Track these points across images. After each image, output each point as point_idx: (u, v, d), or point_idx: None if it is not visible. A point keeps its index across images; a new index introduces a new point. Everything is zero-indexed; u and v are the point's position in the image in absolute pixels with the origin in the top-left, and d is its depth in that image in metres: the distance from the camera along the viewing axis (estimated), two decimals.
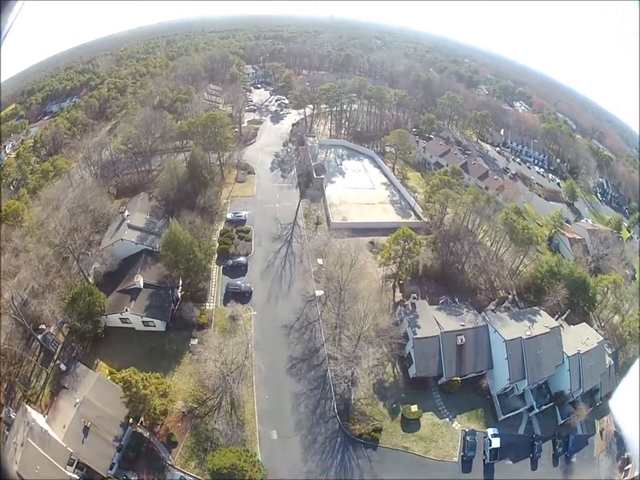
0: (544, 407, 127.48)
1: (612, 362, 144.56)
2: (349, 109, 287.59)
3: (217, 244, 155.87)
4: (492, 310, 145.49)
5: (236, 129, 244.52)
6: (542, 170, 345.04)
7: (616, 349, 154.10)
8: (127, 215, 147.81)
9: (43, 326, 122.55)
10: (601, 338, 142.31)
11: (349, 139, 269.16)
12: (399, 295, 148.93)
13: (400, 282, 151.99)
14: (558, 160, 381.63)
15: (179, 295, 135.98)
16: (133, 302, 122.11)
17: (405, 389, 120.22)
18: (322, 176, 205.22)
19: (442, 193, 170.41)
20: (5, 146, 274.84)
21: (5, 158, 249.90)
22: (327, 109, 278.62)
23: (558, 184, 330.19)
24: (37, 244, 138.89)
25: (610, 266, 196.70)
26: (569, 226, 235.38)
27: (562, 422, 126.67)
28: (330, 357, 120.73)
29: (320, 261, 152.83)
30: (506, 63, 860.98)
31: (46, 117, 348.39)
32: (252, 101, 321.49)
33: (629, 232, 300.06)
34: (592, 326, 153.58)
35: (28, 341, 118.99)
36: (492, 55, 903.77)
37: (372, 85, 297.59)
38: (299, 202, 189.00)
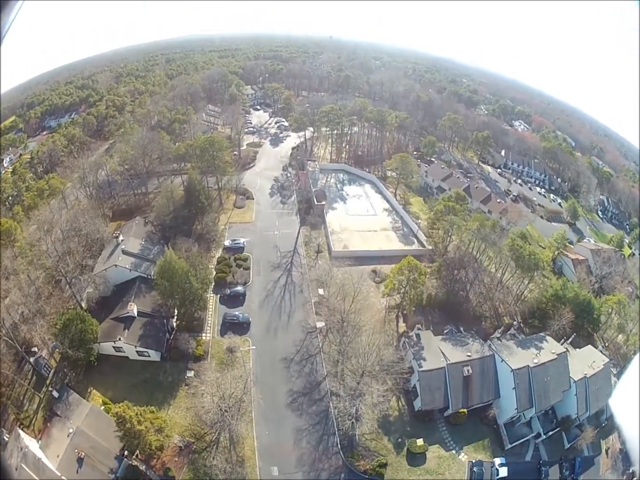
0: (550, 432, 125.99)
1: (618, 381, 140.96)
2: (349, 132, 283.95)
3: (214, 272, 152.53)
4: (498, 339, 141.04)
5: (235, 152, 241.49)
6: (543, 190, 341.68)
7: (621, 368, 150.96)
8: (122, 240, 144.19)
9: (35, 349, 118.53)
10: (607, 360, 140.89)
11: (349, 163, 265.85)
12: (402, 326, 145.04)
13: (404, 312, 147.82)
14: (559, 179, 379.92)
15: (174, 324, 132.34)
16: (126, 330, 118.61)
17: (410, 422, 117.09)
18: (323, 203, 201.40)
19: (447, 220, 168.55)
20: (3, 159, 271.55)
21: (3, 172, 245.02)
22: (328, 132, 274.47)
23: (559, 204, 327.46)
24: (28, 266, 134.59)
25: (614, 285, 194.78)
26: (572, 247, 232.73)
27: (568, 446, 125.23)
28: (332, 394, 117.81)
29: (321, 291, 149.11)
30: (503, 81, 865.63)
31: (44, 132, 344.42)
32: (251, 123, 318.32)
33: (630, 248, 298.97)
34: (596, 347, 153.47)
35: (20, 363, 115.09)
36: (489, 73, 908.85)
37: (372, 107, 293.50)
38: (299, 229, 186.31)
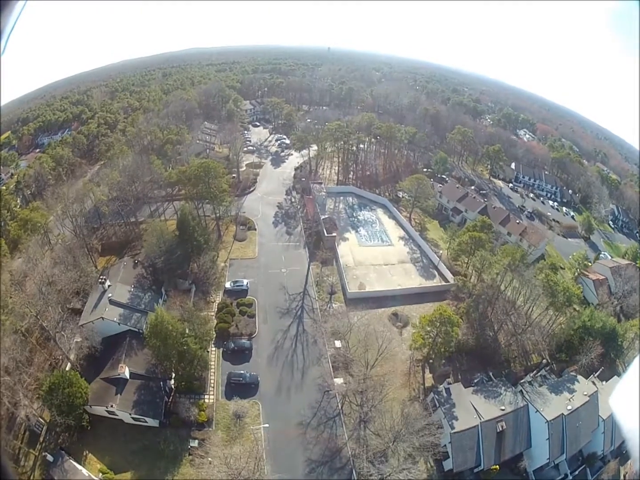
0: (576, 472, 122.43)
1: None
2: (357, 149, 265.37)
3: (215, 322, 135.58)
4: (530, 383, 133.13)
5: (234, 175, 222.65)
6: (555, 204, 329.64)
7: None
8: (109, 286, 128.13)
9: (26, 402, 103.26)
10: None
11: (358, 184, 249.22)
12: (429, 377, 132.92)
13: (430, 360, 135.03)
14: (570, 191, 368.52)
15: (172, 385, 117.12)
16: (119, 395, 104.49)
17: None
18: (334, 234, 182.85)
19: (478, 257, 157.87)
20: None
21: None
22: (333, 150, 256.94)
23: (573, 217, 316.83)
24: (8, 316, 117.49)
25: (633, 304, 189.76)
26: (591, 265, 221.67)
27: (592, 479, 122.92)
28: (355, 457, 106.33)
29: (337, 344, 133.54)
30: (503, 88, 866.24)
31: (37, 150, 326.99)
32: (250, 141, 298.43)
33: None
34: (619, 373, 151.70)
35: (10, 418, 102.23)
36: (488, 80, 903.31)
37: (380, 122, 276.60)
38: (309, 265, 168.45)
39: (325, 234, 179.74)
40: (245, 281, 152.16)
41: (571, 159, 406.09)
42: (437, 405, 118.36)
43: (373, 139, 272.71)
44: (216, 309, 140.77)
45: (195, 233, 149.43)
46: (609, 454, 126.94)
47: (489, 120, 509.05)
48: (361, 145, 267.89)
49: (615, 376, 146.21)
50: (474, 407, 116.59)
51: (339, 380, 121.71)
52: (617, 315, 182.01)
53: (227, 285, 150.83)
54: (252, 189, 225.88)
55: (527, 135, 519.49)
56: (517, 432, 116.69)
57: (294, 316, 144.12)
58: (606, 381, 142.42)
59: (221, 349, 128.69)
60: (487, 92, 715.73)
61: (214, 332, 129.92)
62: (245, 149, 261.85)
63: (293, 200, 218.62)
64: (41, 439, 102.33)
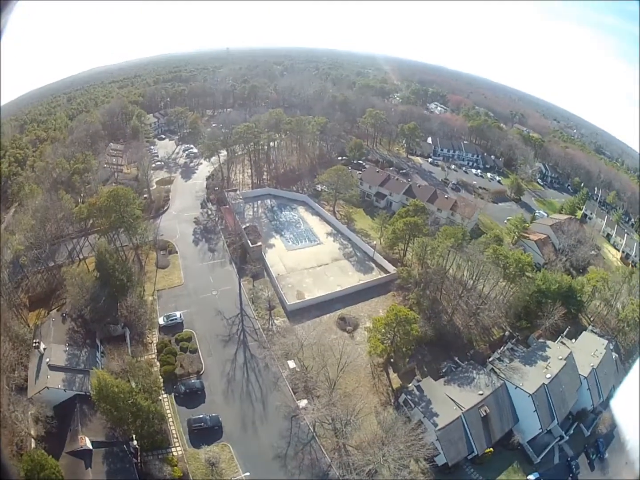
0: (571, 431, 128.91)
1: (617, 355, 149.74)
2: (267, 148, 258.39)
3: (158, 365, 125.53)
4: (499, 359, 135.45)
5: (145, 196, 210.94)
6: (479, 171, 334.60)
7: (615, 339, 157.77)
8: (44, 349, 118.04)
9: None
10: (606, 342, 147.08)
11: (273, 184, 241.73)
12: (394, 377, 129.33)
13: (391, 360, 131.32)
14: (492, 156, 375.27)
15: (137, 445, 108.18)
16: (90, 469, 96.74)
17: (436, 477, 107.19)
18: (259, 244, 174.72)
19: (419, 243, 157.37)
20: None
21: None
22: (244, 153, 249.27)
23: (499, 181, 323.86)
24: None
25: (583, 257, 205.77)
26: (529, 226, 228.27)
27: (589, 433, 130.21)
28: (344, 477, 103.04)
29: (291, 364, 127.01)
30: (406, 64, 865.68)
31: None
32: (157, 156, 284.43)
33: (580, 209, 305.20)
34: (584, 327, 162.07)
35: None
36: (390, 59, 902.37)
37: (289, 116, 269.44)
38: (239, 282, 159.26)
39: (250, 245, 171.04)
40: (178, 313, 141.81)
41: (489, 124, 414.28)
42: (413, 405, 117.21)
43: (284, 135, 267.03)
44: (156, 351, 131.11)
45: (115, 272, 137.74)
46: (599, 406, 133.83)
47: (398, 98, 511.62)
48: (272, 144, 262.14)
49: (584, 332, 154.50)
50: (451, 399, 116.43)
51: (303, 403, 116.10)
52: (567, 271, 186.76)
53: (161, 321, 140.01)
54: (166, 207, 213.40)
55: (439, 108, 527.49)
56: (501, 412, 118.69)
57: (237, 342, 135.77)
58: (575, 339, 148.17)
59: (172, 394, 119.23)
60: (391, 71, 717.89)
61: (160, 380, 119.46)
62: (153, 165, 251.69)
63: (210, 212, 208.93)
64: None
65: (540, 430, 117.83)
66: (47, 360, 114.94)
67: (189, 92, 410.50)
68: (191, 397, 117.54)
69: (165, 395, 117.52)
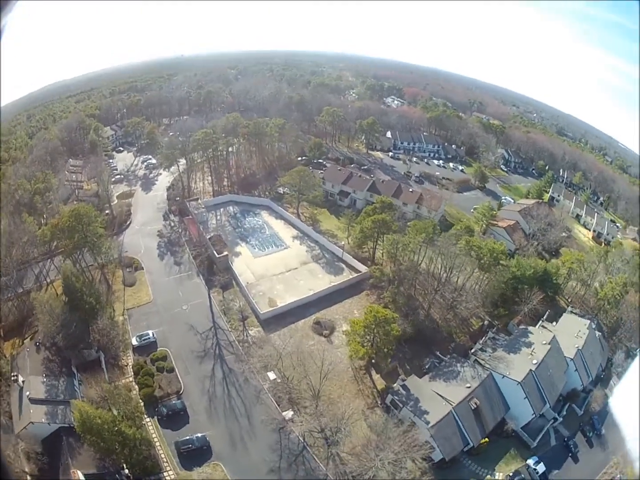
0: (564, 412, 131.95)
1: (600, 333, 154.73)
2: (226, 154, 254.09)
3: (137, 388, 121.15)
4: (482, 350, 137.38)
5: (107, 212, 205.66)
6: (441, 162, 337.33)
7: (597, 318, 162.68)
8: (23, 382, 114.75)
9: None
10: (588, 322, 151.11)
11: (235, 190, 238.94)
12: (377, 378, 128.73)
13: (373, 361, 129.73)
14: (454, 146, 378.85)
15: (128, 474, 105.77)
16: None
17: (435, 473, 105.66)
18: (225, 253, 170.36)
19: (390, 241, 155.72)
20: None
21: None
22: (203, 160, 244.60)
23: (462, 170, 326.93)
24: None
25: (555, 240, 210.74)
26: (496, 213, 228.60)
27: (582, 412, 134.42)
28: None
29: (271, 375, 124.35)
30: (362, 61, 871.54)
31: None
32: (117, 169, 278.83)
33: (547, 192, 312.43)
34: (563, 308, 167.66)
35: None
36: (343, 56, 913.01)
37: (246, 120, 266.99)
38: (209, 294, 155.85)
39: (217, 255, 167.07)
40: (150, 332, 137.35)
41: (448, 114, 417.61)
42: (401, 405, 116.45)
43: (242, 139, 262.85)
44: (132, 373, 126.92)
45: (84, 295, 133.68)
46: (589, 385, 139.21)
47: (354, 95, 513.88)
48: (231, 149, 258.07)
49: (564, 313, 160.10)
50: (439, 395, 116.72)
51: (288, 414, 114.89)
52: (540, 255, 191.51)
53: (134, 341, 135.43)
54: (128, 222, 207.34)
55: (396, 102, 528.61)
56: (492, 402, 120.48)
57: (213, 357, 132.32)
58: (556, 322, 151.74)
59: (155, 417, 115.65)
60: (346, 68, 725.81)
61: (141, 404, 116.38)
62: (113, 179, 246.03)
63: (173, 224, 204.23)
64: None
65: (534, 415, 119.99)
66: (27, 393, 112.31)
67: (145, 101, 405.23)
68: (174, 418, 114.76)
69: (148, 419, 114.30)
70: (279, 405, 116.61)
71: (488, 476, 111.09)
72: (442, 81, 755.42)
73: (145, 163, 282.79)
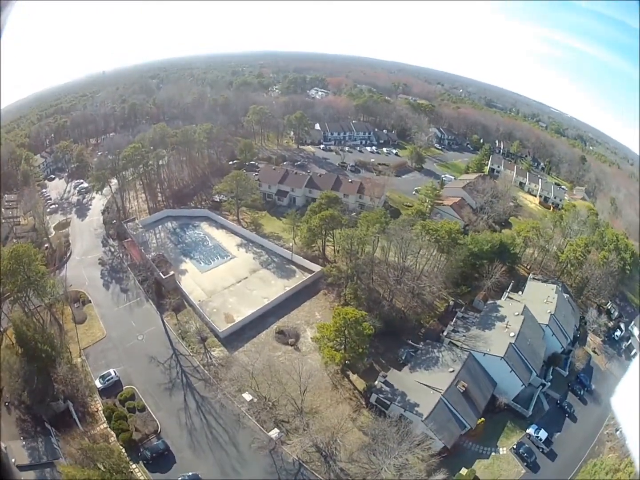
0: (550, 376, 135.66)
1: (567, 295, 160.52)
2: (157, 167, 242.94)
3: (114, 435, 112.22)
4: (454, 331, 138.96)
5: (46, 245, 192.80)
6: (374, 148, 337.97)
7: (561, 282, 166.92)
8: (5, 448, 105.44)
9: None
10: (554, 286, 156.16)
11: (170, 204, 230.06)
12: (355, 378, 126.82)
13: (347, 361, 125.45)
14: (385, 130, 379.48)
15: None
16: None
17: (440, 463, 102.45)
18: (172, 273, 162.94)
19: (344, 236, 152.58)
20: None
21: None
22: (134, 177, 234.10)
23: (396, 154, 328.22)
24: None
25: (504, 211, 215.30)
26: (440, 192, 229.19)
27: (567, 373, 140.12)
28: None
29: (247, 396, 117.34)
30: (280, 56, 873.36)
31: None
32: (50, 199, 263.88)
33: (487, 165, 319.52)
34: (524, 276, 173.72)
35: None
36: (261, 53, 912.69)
37: (173, 129, 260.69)
38: (162, 320, 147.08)
39: (163, 277, 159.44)
40: (112, 371, 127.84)
41: (374, 100, 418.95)
42: (388, 402, 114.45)
43: (171, 150, 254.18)
44: (105, 419, 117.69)
45: (37, 343, 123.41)
46: (568, 345, 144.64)
47: (277, 90, 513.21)
48: (161, 161, 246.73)
49: (528, 281, 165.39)
50: (424, 385, 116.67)
51: (274, 433, 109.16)
52: (491, 228, 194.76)
53: (98, 384, 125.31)
54: (68, 254, 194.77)
55: (320, 92, 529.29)
56: (478, 382, 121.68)
57: (182, 387, 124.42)
58: (522, 291, 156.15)
59: (140, 462, 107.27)
60: (266, 65, 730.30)
61: (124, 453, 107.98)
62: (48, 209, 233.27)
63: (113, 249, 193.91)
64: None
65: (523, 386, 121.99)
66: (13, 460, 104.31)
67: (71, 123, 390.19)
68: (160, 460, 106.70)
69: (134, 466, 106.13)
70: (262, 426, 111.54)
71: (493, 453, 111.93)
72: (364, 67, 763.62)
73: (77, 188, 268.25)
